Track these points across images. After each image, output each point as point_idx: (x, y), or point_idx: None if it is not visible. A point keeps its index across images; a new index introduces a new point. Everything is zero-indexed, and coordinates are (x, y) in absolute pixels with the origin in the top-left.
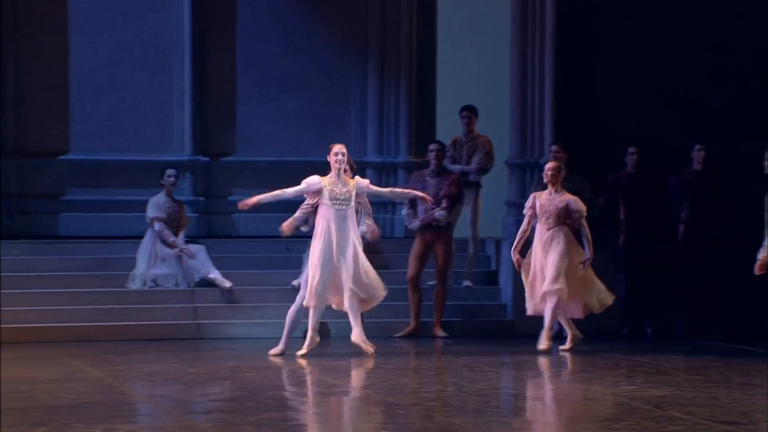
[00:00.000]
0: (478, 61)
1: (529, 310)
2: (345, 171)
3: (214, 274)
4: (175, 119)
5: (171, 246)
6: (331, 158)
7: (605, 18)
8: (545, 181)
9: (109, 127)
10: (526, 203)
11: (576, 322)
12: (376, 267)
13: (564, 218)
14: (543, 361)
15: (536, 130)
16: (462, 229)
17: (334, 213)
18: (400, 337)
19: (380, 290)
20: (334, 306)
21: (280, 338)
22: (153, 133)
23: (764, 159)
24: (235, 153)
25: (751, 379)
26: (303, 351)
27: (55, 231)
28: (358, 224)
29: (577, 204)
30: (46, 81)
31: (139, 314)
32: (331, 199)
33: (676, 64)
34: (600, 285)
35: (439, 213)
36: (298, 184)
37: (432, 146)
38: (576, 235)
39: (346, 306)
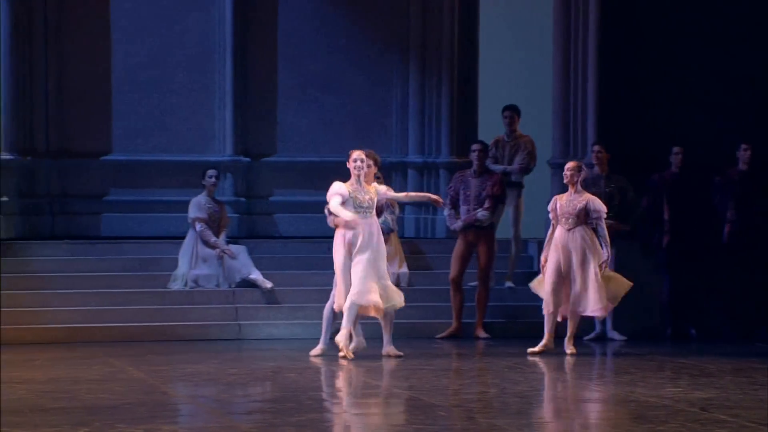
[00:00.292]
0: (520, 60)
1: (549, 308)
2: (378, 178)
3: (255, 275)
4: (216, 119)
5: (212, 246)
6: (351, 165)
7: (649, 17)
8: (564, 181)
9: (150, 127)
10: (548, 206)
11: (619, 324)
12: (417, 268)
13: (584, 219)
14: (586, 363)
15: (579, 130)
16: (504, 230)
17: (359, 220)
18: (441, 338)
19: (398, 301)
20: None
21: (320, 338)
22: (194, 133)
23: None
24: (276, 153)
25: None
26: (344, 353)
27: (97, 231)
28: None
29: (596, 204)
30: (88, 82)
31: (180, 315)
32: (355, 207)
33: (722, 62)
34: (616, 277)
35: (481, 213)
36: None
37: (474, 146)
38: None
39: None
